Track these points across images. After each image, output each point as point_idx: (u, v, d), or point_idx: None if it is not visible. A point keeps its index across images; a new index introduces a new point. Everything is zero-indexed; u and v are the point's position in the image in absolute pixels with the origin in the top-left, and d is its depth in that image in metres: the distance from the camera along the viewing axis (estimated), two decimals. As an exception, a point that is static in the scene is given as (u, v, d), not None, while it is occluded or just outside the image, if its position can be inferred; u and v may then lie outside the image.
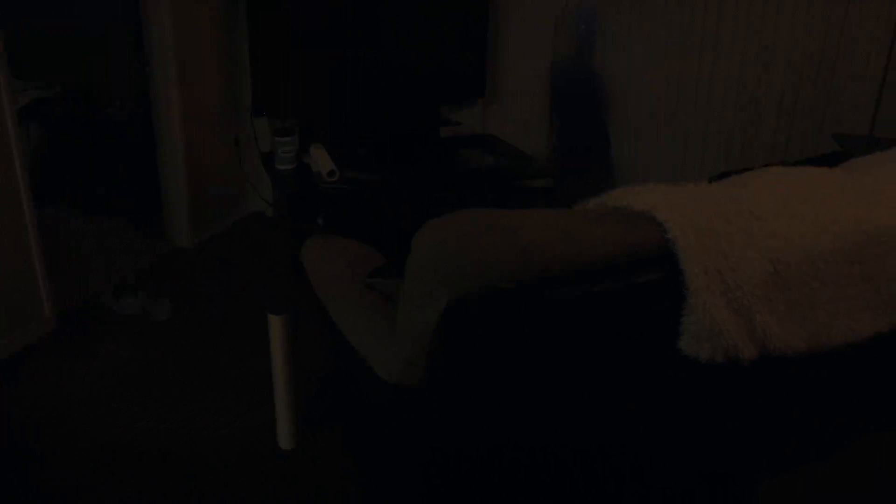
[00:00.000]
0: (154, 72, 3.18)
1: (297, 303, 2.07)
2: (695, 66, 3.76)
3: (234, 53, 3.58)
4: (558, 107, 3.65)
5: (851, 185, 1.74)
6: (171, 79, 3.18)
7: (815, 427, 1.89)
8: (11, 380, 2.47)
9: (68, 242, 3.41)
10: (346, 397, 1.96)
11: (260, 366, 2.31)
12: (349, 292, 1.84)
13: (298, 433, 2.16)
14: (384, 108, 3.64)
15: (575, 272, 1.44)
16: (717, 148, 3.95)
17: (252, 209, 3.89)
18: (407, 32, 3.59)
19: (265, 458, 2.14)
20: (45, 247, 2.69)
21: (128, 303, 2.88)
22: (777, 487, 1.93)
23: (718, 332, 1.54)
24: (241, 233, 3.66)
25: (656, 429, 1.69)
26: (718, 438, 1.80)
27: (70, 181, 3.94)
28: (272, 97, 3.39)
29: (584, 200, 1.71)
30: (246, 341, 2.71)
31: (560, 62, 3.61)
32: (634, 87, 3.84)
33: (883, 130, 3.69)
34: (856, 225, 1.60)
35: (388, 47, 3.58)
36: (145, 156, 3.45)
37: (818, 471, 1.93)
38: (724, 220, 1.59)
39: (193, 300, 3.00)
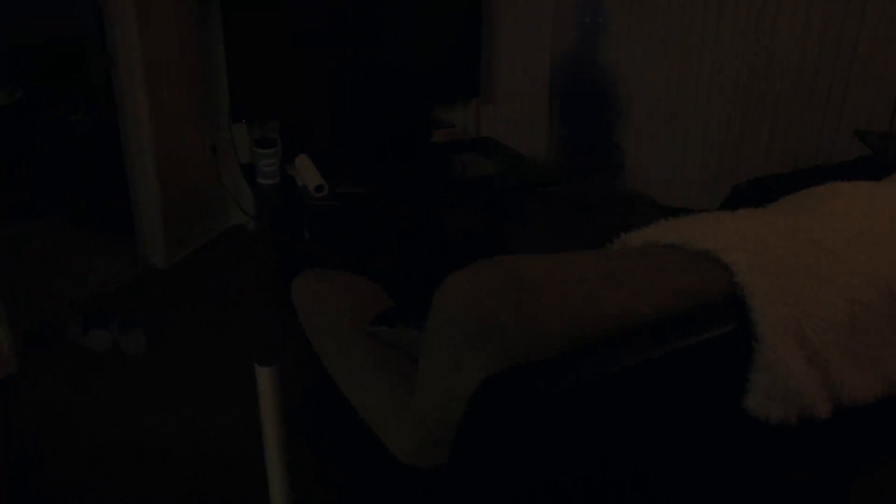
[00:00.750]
0: (120, 74, 2.88)
1: (285, 343, 1.80)
2: (695, 63, 3.58)
3: (208, 54, 3.28)
4: (559, 106, 3.39)
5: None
6: (139, 82, 2.88)
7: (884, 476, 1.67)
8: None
9: (30, 262, 3.11)
10: (345, 463, 1.70)
11: (245, 422, 2.11)
12: (349, 343, 1.58)
13: (292, 494, 1.90)
14: (374, 112, 3.37)
15: (629, 332, 1.19)
16: (717, 146, 3.75)
17: (232, 222, 3.61)
18: (397, 30, 3.32)
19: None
20: (5, 267, 2.45)
21: (97, 337, 2.59)
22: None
23: (795, 391, 1.30)
24: (221, 250, 3.38)
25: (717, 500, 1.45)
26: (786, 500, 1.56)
27: (32, 194, 3.63)
28: (252, 101, 3.11)
29: (616, 233, 1.48)
30: (230, 383, 2.44)
31: (561, 60, 3.36)
32: (635, 85, 3.62)
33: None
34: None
35: (378, 46, 3.30)
36: (114, 166, 3.15)
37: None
38: (793, 257, 1.35)
39: (171, 332, 2.72)
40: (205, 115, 3.35)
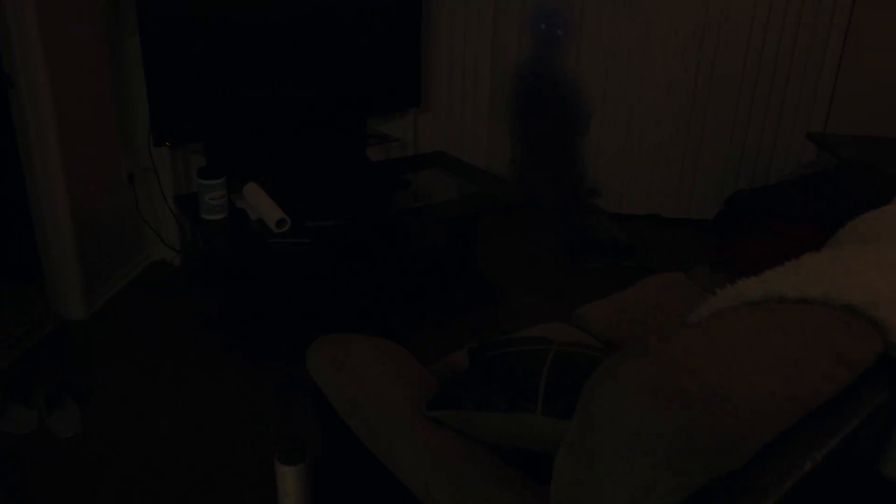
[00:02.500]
0: (21, 99, 2.41)
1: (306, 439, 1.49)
2: (647, 68, 3.49)
3: (121, 69, 2.84)
4: (520, 114, 3.18)
5: None
6: (44, 104, 2.42)
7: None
8: None
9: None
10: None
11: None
12: (411, 431, 1.30)
13: None
14: (305, 126, 3.04)
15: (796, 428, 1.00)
16: (665, 151, 3.67)
17: (153, 258, 3.16)
18: (329, 36, 3.00)
19: None
20: None
21: (18, 416, 2.14)
22: None
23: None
24: (145, 293, 2.94)
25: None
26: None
27: None
28: (176, 121, 2.70)
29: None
30: (193, 461, 2.06)
31: (523, 66, 3.15)
32: (591, 92, 3.48)
33: (833, 126, 3.53)
34: None
35: (309, 53, 2.97)
36: (16, 202, 2.66)
37: None
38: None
39: (107, 401, 2.29)
40: (119, 139, 2.90)
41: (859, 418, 1.06)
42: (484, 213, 2.55)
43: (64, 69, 2.50)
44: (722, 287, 2.26)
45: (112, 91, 2.82)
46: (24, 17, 2.31)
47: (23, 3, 2.29)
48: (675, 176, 3.72)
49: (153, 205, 3.04)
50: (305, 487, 1.48)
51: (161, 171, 2.93)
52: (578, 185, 3.20)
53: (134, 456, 2.07)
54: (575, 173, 3.14)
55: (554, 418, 1.27)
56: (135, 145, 2.94)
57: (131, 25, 2.72)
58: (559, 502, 1.01)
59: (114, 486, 1.96)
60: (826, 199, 2.25)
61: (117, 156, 2.89)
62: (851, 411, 1.06)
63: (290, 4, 2.84)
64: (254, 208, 2.40)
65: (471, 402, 1.31)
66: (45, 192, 2.54)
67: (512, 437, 1.30)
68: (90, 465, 2.03)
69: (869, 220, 1.60)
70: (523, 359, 1.40)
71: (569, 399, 1.28)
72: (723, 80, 3.50)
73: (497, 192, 2.71)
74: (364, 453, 1.37)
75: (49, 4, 2.38)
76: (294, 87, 2.98)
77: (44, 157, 2.49)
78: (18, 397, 2.20)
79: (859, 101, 3.46)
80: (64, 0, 2.48)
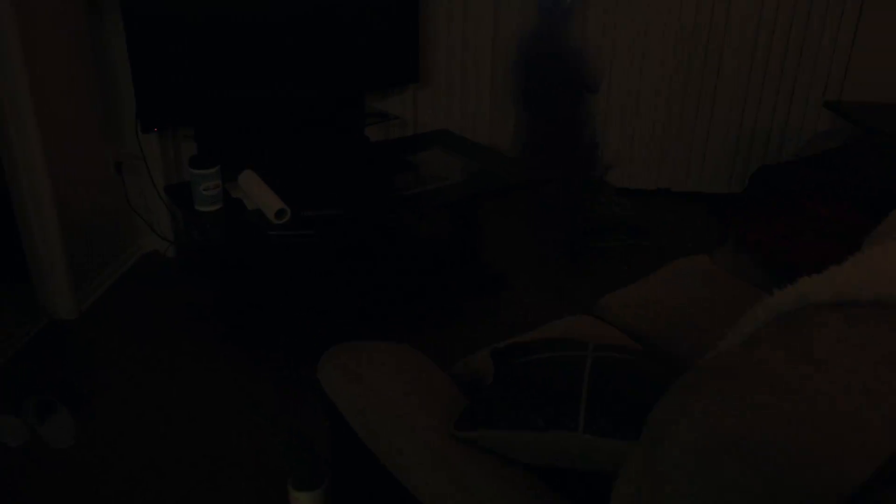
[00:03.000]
0: (-5, 86, 2.24)
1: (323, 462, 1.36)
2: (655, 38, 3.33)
3: (105, 52, 2.66)
4: (525, 90, 3.02)
5: None
6: (21, 90, 2.25)
7: None
8: None
9: None
10: None
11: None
12: (438, 454, 1.17)
13: None
14: (299, 105, 2.88)
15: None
16: (672, 123, 3.53)
17: (144, 250, 3.02)
18: (325, 9, 2.83)
19: None
20: None
21: (8, 427, 2.01)
22: None
23: None
24: (138, 287, 2.80)
25: None
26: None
27: None
28: (164, 105, 2.54)
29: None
30: (197, 470, 1.95)
31: (528, 36, 2.98)
32: (599, 65, 3.33)
33: (849, 95, 3.39)
34: None
35: (302, 27, 2.80)
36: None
37: None
38: None
39: (103, 407, 2.17)
40: (105, 127, 2.74)
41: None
42: (492, 195, 2.41)
43: (42, 57, 2.33)
44: (748, 271, 2.14)
45: (96, 77, 2.65)
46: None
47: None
48: (685, 149, 3.58)
49: (143, 194, 2.89)
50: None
51: (150, 159, 2.77)
52: (591, 150, 3.05)
53: (135, 457, 1.95)
54: (586, 135, 2.98)
55: (599, 436, 1.15)
56: (122, 133, 2.77)
57: (112, 6, 2.55)
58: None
59: (116, 488, 1.85)
60: (857, 174, 2.12)
61: (103, 145, 2.73)
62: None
63: (281, -23, 2.66)
64: (251, 198, 2.26)
65: (504, 421, 1.18)
66: (28, 187, 2.38)
67: (551, 456, 1.19)
68: (90, 470, 1.91)
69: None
70: (558, 368, 1.28)
71: (614, 416, 1.16)
72: (734, 50, 3.34)
73: (506, 171, 2.57)
74: (381, 472, 1.25)
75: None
76: (287, 64, 2.81)
77: (25, 150, 2.33)
78: (7, 406, 2.07)
79: (874, 67, 3.32)
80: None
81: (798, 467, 0.76)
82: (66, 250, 2.50)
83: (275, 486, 1.87)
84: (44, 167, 2.37)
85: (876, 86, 3.32)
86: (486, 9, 3.31)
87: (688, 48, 3.35)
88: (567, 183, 3.04)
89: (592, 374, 1.23)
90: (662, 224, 3.37)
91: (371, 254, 2.55)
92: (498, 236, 3.22)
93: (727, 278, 2.06)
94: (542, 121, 3.02)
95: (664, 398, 0.88)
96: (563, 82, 2.84)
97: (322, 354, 1.41)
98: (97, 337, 2.48)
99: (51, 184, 2.40)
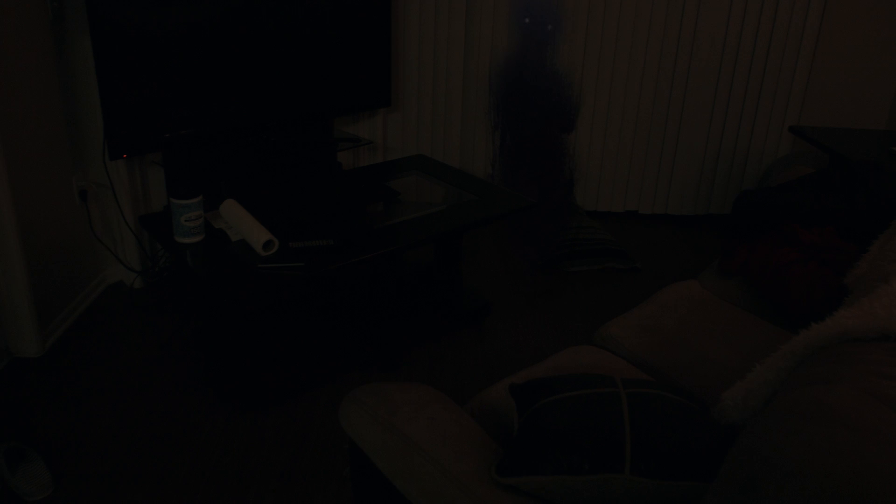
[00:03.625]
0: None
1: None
2: (632, 65, 3.38)
3: (71, 76, 2.55)
4: (500, 116, 3.02)
5: None
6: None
7: None
8: None
9: None
10: None
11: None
12: (484, 499, 1.13)
13: None
14: (273, 130, 2.82)
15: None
16: (642, 145, 3.58)
17: (110, 281, 2.88)
18: (297, 32, 2.78)
19: None
20: None
21: (-24, 480, 1.87)
22: None
23: None
24: (105, 321, 2.66)
25: None
26: None
27: None
28: (134, 130, 2.44)
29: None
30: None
31: (505, 61, 2.98)
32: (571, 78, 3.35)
33: (807, 119, 3.51)
34: None
35: (274, 50, 2.75)
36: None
37: None
38: None
39: (77, 453, 2.04)
40: (67, 152, 2.61)
41: None
42: (478, 224, 2.38)
43: (5, 79, 2.20)
44: (737, 295, 2.16)
45: (61, 102, 2.52)
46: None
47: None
48: (652, 172, 3.63)
49: (108, 223, 2.76)
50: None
51: (116, 186, 2.66)
52: (565, 186, 3.06)
53: (118, 517, 1.84)
54: (561, 175, 3.00)
55: (645, 477, 1.13)
56: (86, 160, 2.65)
57: (79, 30, 2.44)
58: None
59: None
60: (837, 199, 2.17)
61: (68, 173, 2.60)
62: None
63: (252, 2, 2.60)
64: (234, 228, 2.17)
65: (548, 466, 1.15)
66: (-11, 217, 2.24)
67: (597, 498, 1.15)
68: (68, 532, 1.79)
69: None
70: (594, 407, 1.25)
71: (659, 455, 1.14)
72: (699, 76, 3.42)
73: (490, 199, 2.55)
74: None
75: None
76: (258, 87, 2.75)
77: (-13, 177, 2.20)
78: (-25, 456, 1.93)
79: (828, 94, 3.45)
80: (4, 7, 2.19)
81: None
82: (29, 284, 2.36)
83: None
84: (9, 196, 2.23)
85: (833, 111, 3.44)
86: (458, 32, 3.30)
87: (655, 73, 3.41)
88: (545, 206, 3.04)
89: (631, 413, 1.21)
90: (637, 246, 3.41)
91: (354, 284, 2.48)
92: (476, 260, 3.20)
93: (720, 304, 2.08)
94: (517, 146, 3.02)
95: (746, 441, 0.86)
96: (539, 111, 2.85)
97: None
98: (65, 376, 2.35)
99: (15, 214, 2.26)
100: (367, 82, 3.14)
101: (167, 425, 2.14)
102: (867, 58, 3.39)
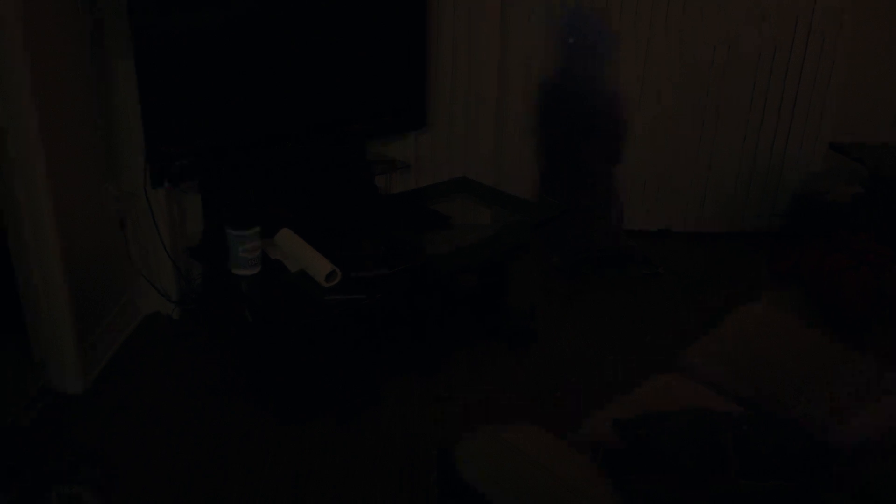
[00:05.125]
0: (6, 140, 2.03)
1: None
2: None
3: (110, 99, 2.48)
4: (545, 138, 2.97)
5: None
6: (33, 144, 2.05)
7: None
8: None
9: None
10: None
11: None
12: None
13: None
14: (309, 155, 2.75)
15: None
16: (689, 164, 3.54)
17: (146, 311, 2.80)
18: (335, 53, 2.73)
19: None
20: None
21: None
22: None
23: None
24: (143, 354, 2.58)
25: None
26: None
27: None
28: (174, 158, 2.37)
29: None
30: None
31: (548, 82, 2.94)
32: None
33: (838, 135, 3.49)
34: None
35: (312, 73, 2.69)
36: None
37: None
38: None
39: (129, 494, 1.95)
40: (106, 178, 2.54)
41: None
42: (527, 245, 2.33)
43: (51, 102, 2.13)
44: (812, 313, 2.12)
45: (99, 125, 2.46)
46: (12, 54, 1.94)
47: (9, 40, 1.92)
48: (685, 189, 3.60)
49: (145, 252, 2.68)
50: None
51: (157, 215, 2.58)
52: (614, 201, 3.02)
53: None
54: (609, 209, 2.96)
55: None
56: (122, 185, 2.58)
57: (120, 50, 2.37)
58: None
59: None
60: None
61: (108, 200, 2.52)
62: None
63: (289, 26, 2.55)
64: (293, 259, 2.10)
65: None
66: (34, 247, 2.16)
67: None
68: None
69: None
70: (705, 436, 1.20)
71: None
72: (733, 92, 3.40)
73: (539, 216, 2.49)
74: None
75: (34, 41, 2.01)
76: (296, 112, 2.68)
77: (34, 206, 2.12)
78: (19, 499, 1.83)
79: (865, 109, 3.43)
80: (48, 39, 2.12)
81: None
82: (73, 320, 2.28)
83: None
84: (53, 224, 2.15)
85: (869, 126, 3.41)
86: (493, 53, 3.25)
87: (690, 89, 3.38)
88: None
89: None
90: (672, 258, 3.37)
91: (410, 311, 2.42)
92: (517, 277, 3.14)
93: (798, 326, 2.02)
94: (563, 172, 2.98)
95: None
96: (588, 135, 2.81)
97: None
98: (108, 414, 2.26)
99: (60, 244, 2.18)
100: (402, 104, 3.09)
101: (218, 454, 2.05)
102: (900, 72, 3.38)
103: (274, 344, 2.13)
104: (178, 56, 2.30)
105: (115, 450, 2.10)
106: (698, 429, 1.32)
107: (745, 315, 2.07)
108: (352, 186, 2.99)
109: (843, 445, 1.31)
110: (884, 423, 1.26)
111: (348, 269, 2.08)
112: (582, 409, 1.66)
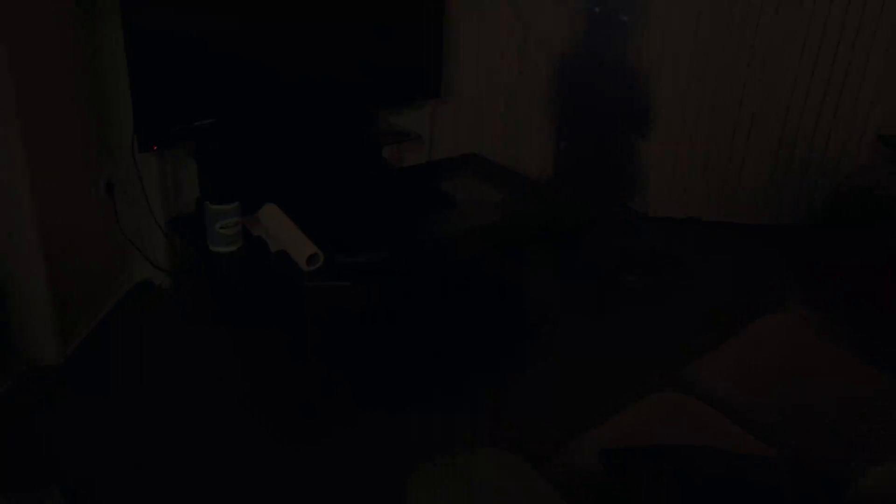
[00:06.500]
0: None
1: None
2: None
3: (100, 62, 2.34)
4: (567, 110, 2.76)
5: None
6: (8, 105, 1.93)
7: None
8: None
9: None
10: None
11: None
12: None
13: None
14: (314, 124, 2.59)
15: None
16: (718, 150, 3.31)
17: (135, 279, 2.69)
18: (344, 14, 2.54)
19: None
20: None
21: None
22: None
23: None
24: (128, 324, 2.47)
25: None
26: None
27: None
28: (165, 121, 2.23)
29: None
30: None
31: (570, 55, 2.72)
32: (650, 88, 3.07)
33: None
34: None
35: (317, 33, 2.51)
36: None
37: None
38: None
39: (99, 481, 1.84)
40: (94, 143, 2.41)
41: None
42: (545, 237, 2.15)
43: (31, 65, 2.00)
44: (838, 330, 1.92)
45: (89, 89, 2.32)
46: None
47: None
48: (718, 177, 3.36)
49: (136, 218, 2.56)
50: None
51: (146, 180, 2.45)
52: (627, 194, 2.81)
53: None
54: (629, 186, 2.74)
55: None
56: (114, 152, 2.45)
57: (109, 12, 2.22)
58: None
59: None
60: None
61: (94, 164, 2.40)
62: None
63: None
64: (274, 238, 1.96)
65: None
66: (9, 210, 2.05)
67: None
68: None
69: None
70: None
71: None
72: (774, 76, 3.14)
73: (555, 210, 2.31)
74: None
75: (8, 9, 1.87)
76: (297, 74, 2.52)
77: (10, 166, 2.00)
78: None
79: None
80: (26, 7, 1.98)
81: None
82: (50, 286, 2.17)
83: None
84: (28, 188, 2.03)
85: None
86: (514, 20, 3.04)
87: (727, 71, 3.13)
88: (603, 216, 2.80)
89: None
90: (694, 255, 3.15)
91: (405, 301, 2.26)
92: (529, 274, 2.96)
93: (817, 342, 1.82)
94: (579, 148, 2.77)
95: None
96: (608, 112, 2.59)
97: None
98: (85, 388, 2.16)
99: (37, 207, 2.07)
100: (417, 69, 2.90)
101: (198, 446, 1.94)
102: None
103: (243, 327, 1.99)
104: (168, 11, 2.14)
105: (89, 419, 2.00)
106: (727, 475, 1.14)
107: (763, 327, 1.88)
108: (356, 157, 2.82)
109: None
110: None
111: (333, 249, 1.92)
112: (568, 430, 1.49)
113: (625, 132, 2.65)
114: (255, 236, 1.99)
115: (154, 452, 1.92)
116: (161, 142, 2.30)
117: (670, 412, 1.53)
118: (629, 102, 2.64)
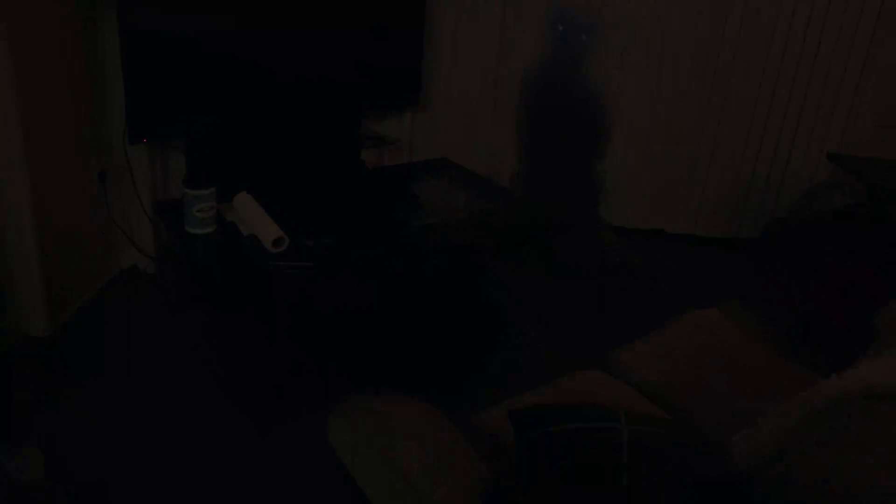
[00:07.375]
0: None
1: None
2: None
3: (97, 57, 2.54)
4: (529, 125, 2.95)
5: None
6: (7, 90, 2.12)
7: None
8: None
9: None
10: None
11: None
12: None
13: None
14: (298, 124, 2.77)
15: None
16: (678, 163, 3.48)
17: (123, 265, 2.87)
18: (329, 22, 2.74)
19: None
20: None
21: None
22: None
23: None
24: (116, 305, 2.65)
25: None
26: None
27: None
28: (155, 116, 2.42)
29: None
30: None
31: (537, 71, 2.91)
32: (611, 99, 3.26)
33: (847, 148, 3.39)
34: None
35: (304, 41, 2.71)
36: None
37: None
38: None
39: (77, 440, 2.01)
40: (90, 133, 2.60)
41: None
42: (507, 240, 2.32)
43: (31, 58, 2.19)
44: (758, 327, 2.08)
45: (86, 83, 2.52)
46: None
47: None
48: (681, 190, 3.54)
49: (125, 206, 2.74)
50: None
51: (136, 171, 2.64)
52: (590, 205, 2.98)
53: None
54: (592, 176, 2.91)
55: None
56: (107, 142, 2.64)
57: (108, 11, 2.42)
58: None
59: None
60: (877, 234, 2.08)
61: (87, 152, 2.59)
62: None
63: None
64: (245, 223, 2.14)
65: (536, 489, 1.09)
66: (6, 192, 2.23)
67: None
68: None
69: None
70: (593, 444, 1.19)
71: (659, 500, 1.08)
72: (737, 93, 3.32)
73: (520, 214, 2.49)
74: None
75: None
76: (285, 80, 2.71)
77: (7, 152, 2.19)
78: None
79: (874, 122, 3.32)
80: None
81: None
82: (41, 262, 2.35)
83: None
84: (25, 173, 2.22)
85: (876, 141, 3.31)
86: (491, 35, 3.23)
87: (691, 87, 3.32)
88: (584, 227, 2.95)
89: (631, 453, 1.14)
90: (661, 268, 3.31)
91: (369, 287, 2.43)
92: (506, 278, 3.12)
93: (739, 336, 1.99)
94: (543, 158, 2.95)
95: None
96: (567, 128, 2.77)
97: (325, 402, 1.30)
98: (72, 359, 2.33)
99: (32, 191, 2.25)
100: (396, 80, 3.09)
101: (173, 413, 2.11)
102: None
103: (215, 305, 2.17)
104: (158, 13, 2.33)
105: (67, 393, 2.17)
106: (594, 431, 1.30)
107: (689, 320, 2.05)
108: (335, 159, 3.01)
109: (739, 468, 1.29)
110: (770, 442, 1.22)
111: (301, 237, 2.10)
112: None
113: (585, 148, 2.83)
114: (229, 221, 2.18)
115: (130, 424, 2.09)
116: (151, 135, 2.49)
117: (587, 387, 1.70)
118: (589, 121, 2.83)
